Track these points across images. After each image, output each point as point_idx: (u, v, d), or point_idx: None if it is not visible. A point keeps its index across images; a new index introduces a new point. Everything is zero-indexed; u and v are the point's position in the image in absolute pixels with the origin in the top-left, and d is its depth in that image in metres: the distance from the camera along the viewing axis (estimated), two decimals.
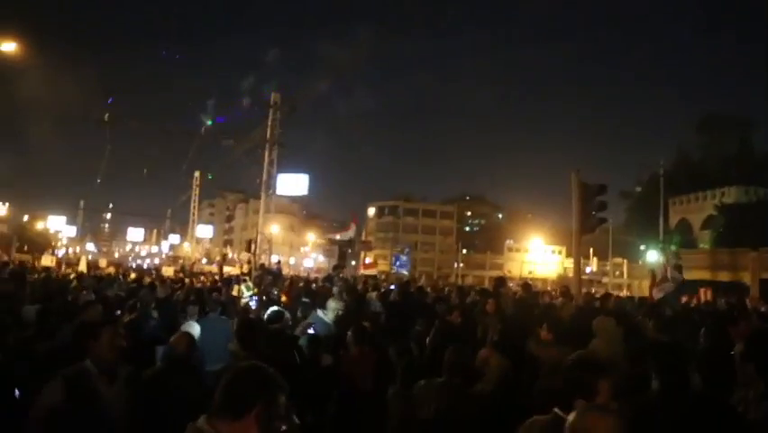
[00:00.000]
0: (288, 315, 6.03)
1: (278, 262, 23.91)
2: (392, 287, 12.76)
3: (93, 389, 3.29)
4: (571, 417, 2.30)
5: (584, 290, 10.81)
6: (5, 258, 28.75)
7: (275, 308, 6.02)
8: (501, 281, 9.93)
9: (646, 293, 37.20)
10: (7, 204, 69.65)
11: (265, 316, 5.88)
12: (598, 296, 11.35)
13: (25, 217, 72.77)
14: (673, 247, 35.83)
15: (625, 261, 67.52)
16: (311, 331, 6.44)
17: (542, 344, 6.00)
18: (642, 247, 57.99)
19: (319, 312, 7.23)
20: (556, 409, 2.44)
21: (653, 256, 43.37)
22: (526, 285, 10.74)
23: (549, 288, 27.61)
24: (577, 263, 10.00)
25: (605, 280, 51.76)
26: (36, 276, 15.81)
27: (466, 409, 3.92)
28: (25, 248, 52.79)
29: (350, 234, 25.33)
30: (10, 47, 22.29)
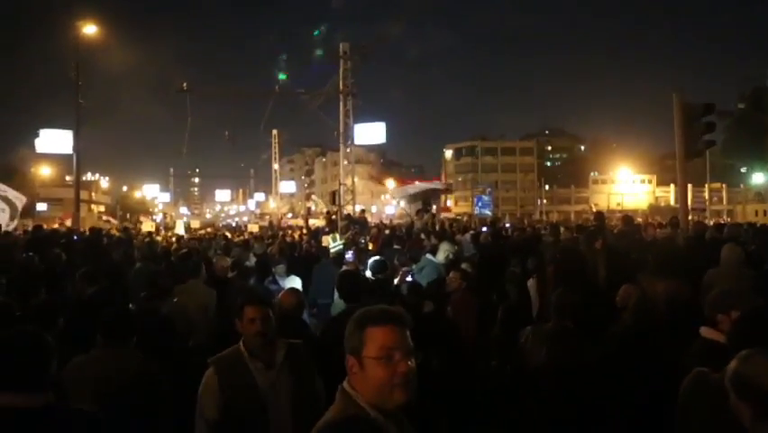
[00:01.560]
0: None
1: (363, 211, 24.14)
2: (484, 229, 12.49)
3: (247, 378, 2.91)
4: (732, 363, 2.01)
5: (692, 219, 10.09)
6: (110, 226, 30.95)
7: (377, 258, 5.99)
8: (601, 216, 9.41)
9: (750, 219, 34.51)
10: (108, 177, 74.80)
11: (368, 266, 5.88)
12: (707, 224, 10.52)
13: (124, 188, 78.00)
14: None
15: (723, 186, 63.11)
16: (409, 279, 6.39)
17: (655, 277, 5.64)
18: (743, 170, 53.72)
19: (428, 256, 7.14)
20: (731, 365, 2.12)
21: (759, 178, 40.05)
22: (627, 218, 10.14)
23: (649, 219, 26.13)
24: (683, 191, 9.28)
25: (711, 207, 48.25)
26: (141, 240, 16.87)
27: (581, 355, 3.69)
28: (128, 216, 56.78)
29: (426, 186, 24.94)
30: (91, 30, 23.33)
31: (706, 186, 48.97)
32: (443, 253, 7.04)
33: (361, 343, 1.78)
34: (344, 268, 6.31)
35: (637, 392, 2.92)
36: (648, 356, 3.16)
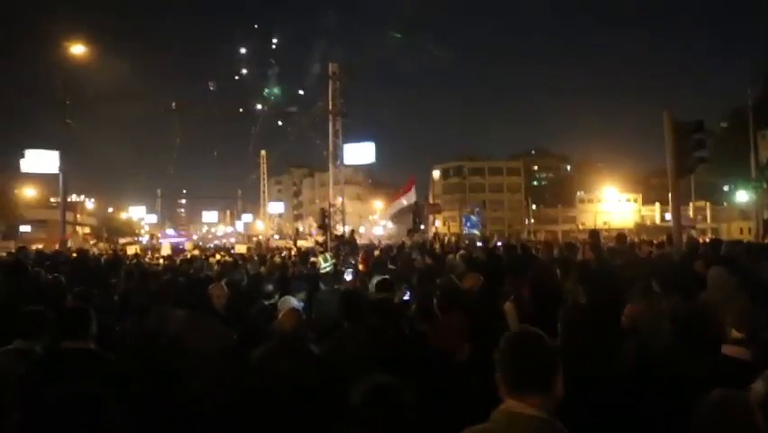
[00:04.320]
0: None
1: (352, 231, 24.04)
2: (479, 244, 12.41)
3: None
4: (759, 385, 1.93)
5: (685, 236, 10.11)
6: (95, 248, 30.53)
7: (384, 277, 5.85)
8: (596, 234, 9.41)
9: (735, 236, 34.71)
10: (93, 199, 74.08)
11: (373, 285, 5.75)
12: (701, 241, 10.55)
13: (110, 210, 77.19)
14: (766, 185, 33.31)
15: (707, 204, 63.86)
16: (406, 298, 6.28)
17: (653, 296, 5.57)
18: (725, 188, 54.48)
19: (453, 278, 6.93)
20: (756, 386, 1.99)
21: (743, 196, 40.59)
22: (620, 236, 10.15)
23: (636, 238, 26.29)
24: (675, 209, 9.32)
25: (699, 225, 48.52)
26: (128, 262, 16.60)
27: (595, 373, 3.56)
28: (114, 238, 56.00)
29: (411, 197, 24.44)
30: (79, 49, 23.24)
31: (690, 204, 49.60)
32: (472, 280, 6.74)
33: None
34: (343, 287, 6.17)
35: (654, 410, 2.83)
36: (664, 375, 3.07)
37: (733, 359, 2.70)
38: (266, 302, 6.25)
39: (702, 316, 3.11)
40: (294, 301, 5.60)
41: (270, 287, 6.68)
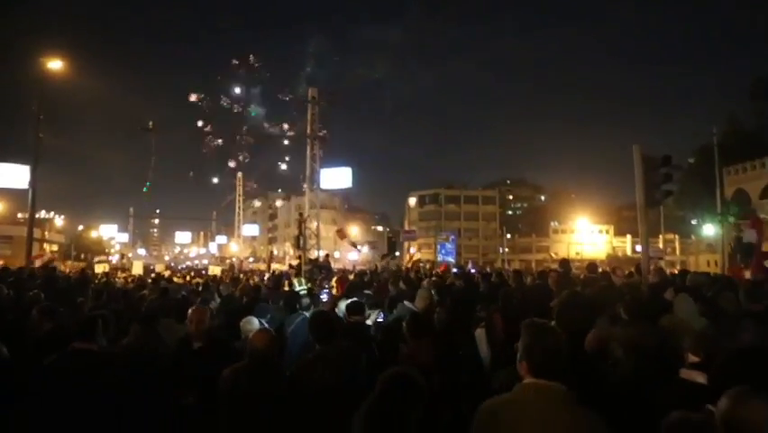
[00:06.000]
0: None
1: (327, 255, 23.96)
2: (455, 270, 12.48)
3: None
4: (725, 403, 1.94)
5: (652, 267, 10.35)
6: (63, 266, 29.84)
7: (355, 299, 5.85)
8: (566, 262, 9.57)
9: (703, 268, 35.48)
10: (63, 216, 72.47)
11: (343, 307, 5.74)
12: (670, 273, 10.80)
13: (80, 227, 75.57)
14: (732, 219, 34.32)
15: (676, 237, 65.26)
16: (380, 320, 6.29)
17: (620, 323, 5.69)
18: (693, 222, 55.89)
19: (407, 303, 6.96)
20: (710, 407, 2.05)
21: (710, 230, 41.72)
22: (591, 265, 10.35)
23: (608, 268, 26.72)
24: (644, 240, 9.56)
25: (668, 258, 49.52)
26: (96, 282, 16.30)
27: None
28: (81, 256, 54.83)
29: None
30: (56, 65, 23.00)
31: (660, 236, 50.59)
32: (423, 300, 6.81)
33: None
34: (318, 309, 6.13)
35: None
36: (625, 402, 3.13)
37: (690, 382, 2.78)
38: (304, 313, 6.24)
39: (659, 341, 3.20)
40: (256, 323, 5.55)
41: (308, 300, 6.67)
